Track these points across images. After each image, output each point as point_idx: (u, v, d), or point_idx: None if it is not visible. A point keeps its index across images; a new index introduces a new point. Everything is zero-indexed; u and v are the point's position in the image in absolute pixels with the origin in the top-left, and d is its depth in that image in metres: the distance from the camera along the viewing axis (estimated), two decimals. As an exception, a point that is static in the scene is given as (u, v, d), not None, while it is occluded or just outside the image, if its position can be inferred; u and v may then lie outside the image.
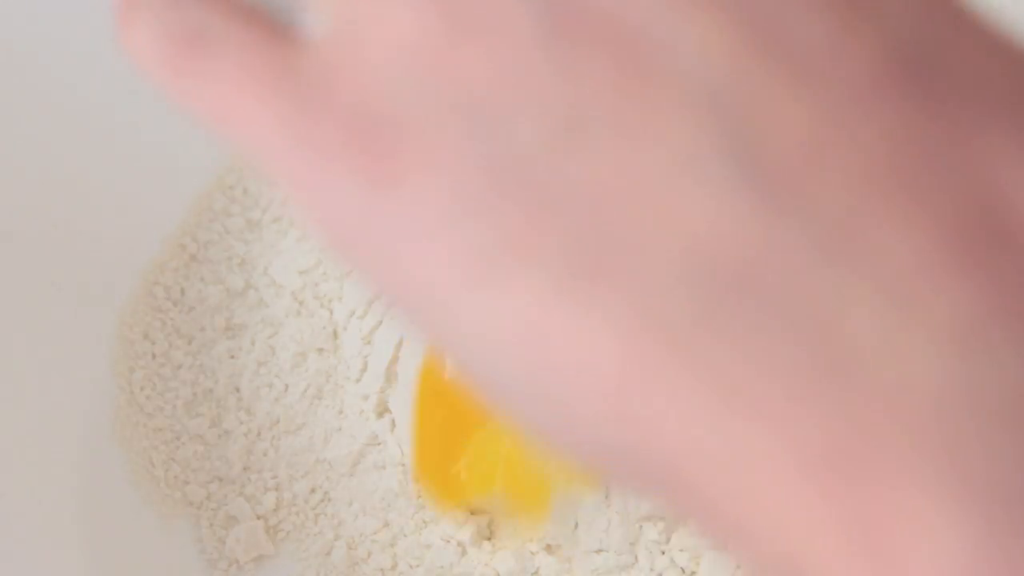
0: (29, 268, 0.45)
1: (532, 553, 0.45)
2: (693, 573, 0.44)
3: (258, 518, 0.46)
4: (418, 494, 0.46)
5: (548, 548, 0.45)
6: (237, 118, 0.19)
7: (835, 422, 0.15)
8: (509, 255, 0.16)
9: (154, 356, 0.49)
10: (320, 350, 0.49)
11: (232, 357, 0.49)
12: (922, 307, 0.15)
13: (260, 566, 0.46)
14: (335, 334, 0.50)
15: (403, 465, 0.47)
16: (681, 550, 0.44)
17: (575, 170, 0.16)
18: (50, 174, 0.46)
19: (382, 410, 0.48)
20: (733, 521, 0.16)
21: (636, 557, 0.45)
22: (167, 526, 0.46)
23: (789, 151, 0.16)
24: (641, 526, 0.44)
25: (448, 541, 0.46)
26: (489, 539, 0.46)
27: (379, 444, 0.48)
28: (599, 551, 0.44)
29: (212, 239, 0.52)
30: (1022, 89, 0.16)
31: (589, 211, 0.16)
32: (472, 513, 0.46)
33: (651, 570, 0.44)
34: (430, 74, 0.17)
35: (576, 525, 0.45)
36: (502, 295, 0.16)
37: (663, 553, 0.44)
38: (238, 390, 0.49)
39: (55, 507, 0.42)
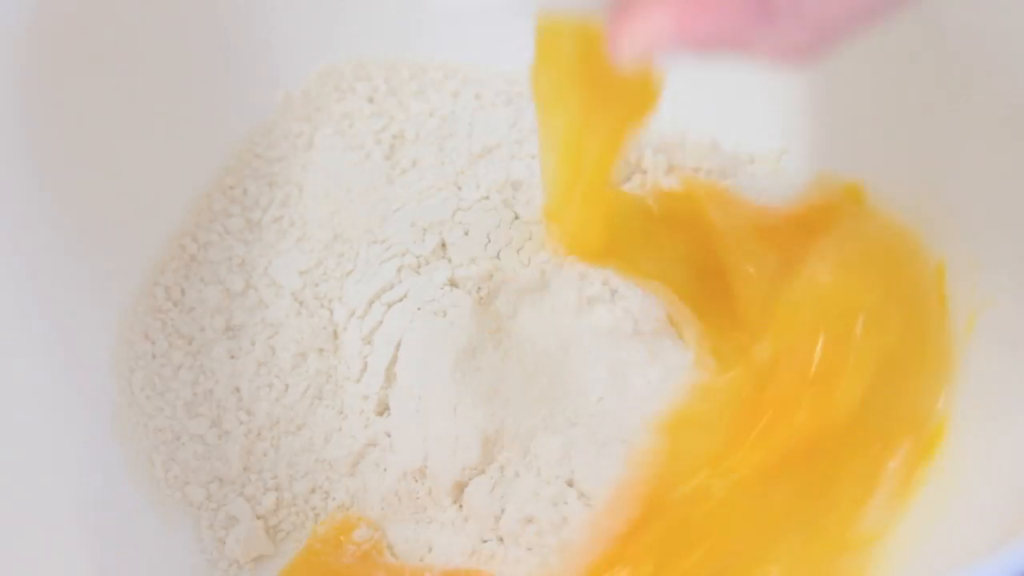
0: (30, 269, 0.45)
1: None
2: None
3: (258, 518, 0.46)
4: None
5: None
6: None
7: None
8: None
9: (154, 356, 0.49)
10: (320, 350, 0.49)
11: (232, 357, 0.49)
12: None
13: (260, 566, 0.46)
14: (335, 334, 0.50)
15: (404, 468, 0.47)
16: None
17: None
18: (50, 175, 0.46)
19: (382, 410, 0.48)
20: None
21: None
22: (167, 526, 0.46)
23: None
24: None
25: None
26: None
27: (379, 444, 0.48)
28: None
29: (212, 240, 0.52)
30: None
31: None
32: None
33: None
34: None
35: None
36: None
37: None
38: (238, 390, 0.49)
39: (55, 507, 0.42)
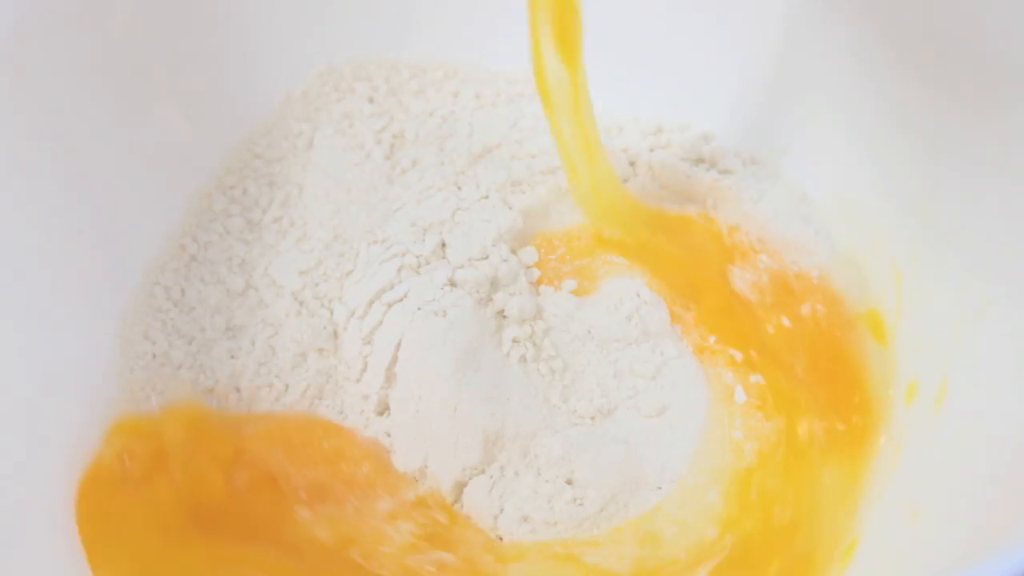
0: (30, 269, 0.45)
1: None
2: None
3: (258, 518, 0.46)
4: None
5: None
6: None
7: None
8: None
9: (154, 356, 0.49)
10: (320, 350, 0.49)
11: (232, 357, 0.49)
12: None
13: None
14: (335, 334, 0.50)
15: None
16: None
17: None
18: (50, 175, 0.46)
19: (382, 410, 0.48)
20: None
21: None
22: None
23: None
24: None
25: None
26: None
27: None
28: None
29: (212, 240, 0.52)
30: None
31: None
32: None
33: None
34: None
35: None
36: None
37: None
38: (238, 390, 0.49)
39: (55, 507, 0.42)
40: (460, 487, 0.46)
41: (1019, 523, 0.32)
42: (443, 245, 0.51)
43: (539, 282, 0.52)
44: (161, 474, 0.45)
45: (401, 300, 0.49)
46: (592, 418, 0.47)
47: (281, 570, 0.43)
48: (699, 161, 0.55)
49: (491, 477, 0.46)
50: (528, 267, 0.52)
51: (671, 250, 0.52)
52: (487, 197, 0.53)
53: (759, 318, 0.49)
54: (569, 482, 0.46)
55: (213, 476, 0.45)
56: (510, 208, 0.53)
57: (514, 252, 0.52)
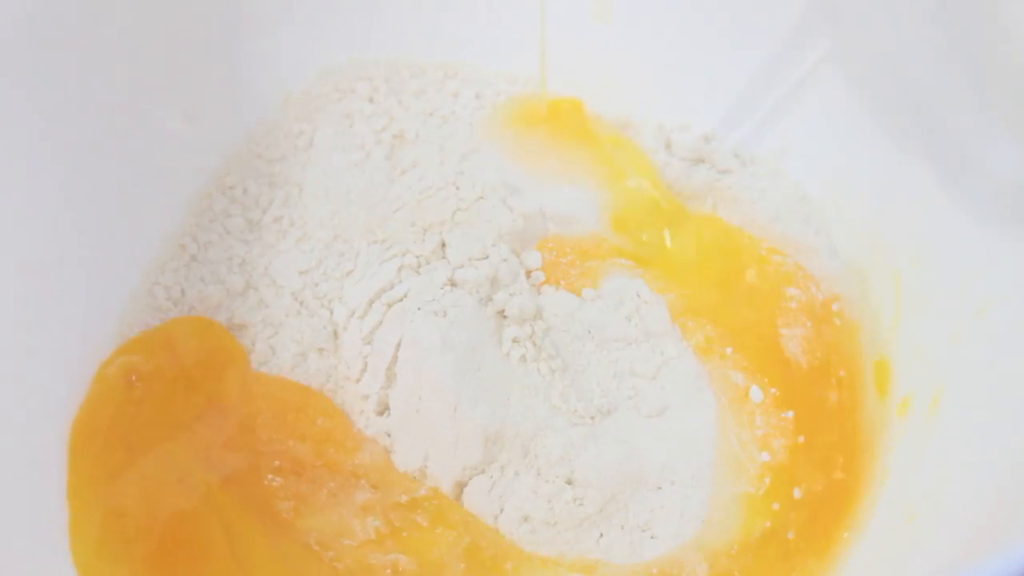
0: (30, 269, 0.45)
1: None
2: None
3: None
4: None
5: None
6: None
7: None
8: None
9: (154, 356, 0.49)
10: (320, 350, 0.49)
11: (232, 357, 0.50)
12: None
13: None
14: (335, 334, 0.50)
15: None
16: None
17: None
18: (50, 175, 0.46)
19: (382, 410, 0.48)
20: None
21: None
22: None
23: None
24: None
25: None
26: None
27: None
28: None
29: (212, 239, 0.52)
30: None
31: None
32: None
33: None
34: None
35: None
36: None
37: None
38: (238, 390, 0.49)
39: (55, 506, 0.43)
40: (460, 487, 0.46)
41: (1014, 524, 0.32)
42: (443, 245, 0.51)
43: (545, 283, 0.52)
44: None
45: (401, 300, 0.49)
46: (592, 418, 0.47)
47: (244, 533, 0.43)
48: (699, 161, 0.55)
49: (491, 477, 0.46)
50: (532, 271, 0.52)
51: (717, 296, 0.51)
52: (486, 197, 0.53)
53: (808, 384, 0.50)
54: (569, 482, 0.46)
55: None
56: (510, 209, 0.53)
57: (517, 255, 0.52)
